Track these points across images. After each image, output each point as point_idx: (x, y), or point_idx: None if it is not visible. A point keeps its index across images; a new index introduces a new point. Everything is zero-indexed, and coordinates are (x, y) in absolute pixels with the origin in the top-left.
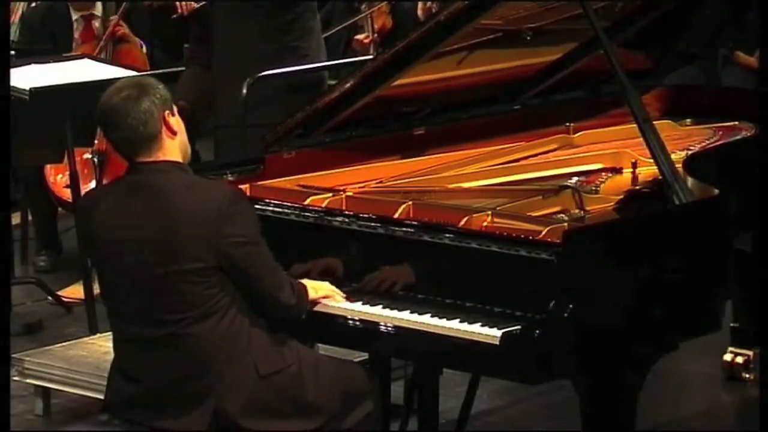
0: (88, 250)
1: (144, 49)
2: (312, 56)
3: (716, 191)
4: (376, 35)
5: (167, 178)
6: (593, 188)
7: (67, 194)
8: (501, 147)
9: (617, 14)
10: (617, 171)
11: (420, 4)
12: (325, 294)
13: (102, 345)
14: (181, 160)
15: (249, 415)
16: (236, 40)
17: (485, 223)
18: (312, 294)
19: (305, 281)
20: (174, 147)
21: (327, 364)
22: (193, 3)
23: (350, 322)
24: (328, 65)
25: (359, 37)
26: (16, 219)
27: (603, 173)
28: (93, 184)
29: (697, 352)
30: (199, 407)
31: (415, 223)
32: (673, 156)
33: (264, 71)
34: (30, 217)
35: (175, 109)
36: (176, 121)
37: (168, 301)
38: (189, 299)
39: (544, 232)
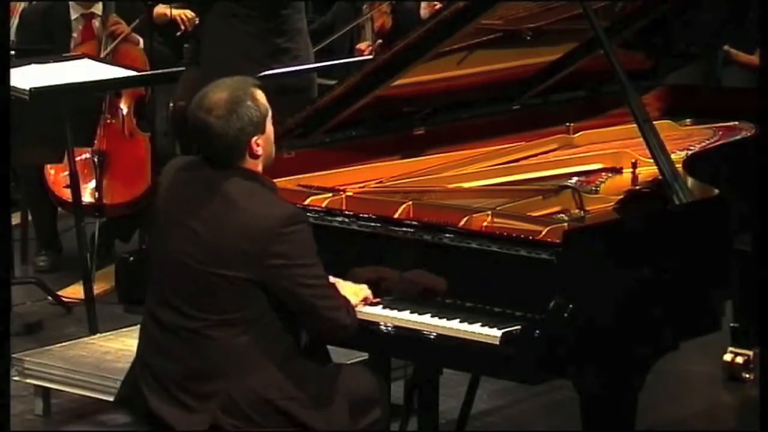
0: (152, 218)
1: (141, 44)
2: (302, 57)
3: (716, 191)
4: (377, 42)
5: (236, 184)
6: (593, 188)
7: (67, 194)
8: (501, 147)
9: (617, 14)
10: (617, 171)
11: (423, 5)
12: (364, 296)
13: (102, 345)
14: (259, 170)
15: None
16: (229, 42)
17: (485, 223)
18: (354, 300)
19: (342, 285)
20: (254, 163)
21: (340, 389)
22: (193, 17)
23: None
24: (328, 65)
25: (361, 46)
26: (16, 219)
27: (603, 173)
28: (93, 184)
29: (697, 352)
30: (200, 409)
31: (415, 223)
32: (673, 156)
33: (257, 73)
34: (30, 217)
35: (268, 122)
36: (264, 141)
37: (197, 298)
38: (217, 303)
39: (544, 232)
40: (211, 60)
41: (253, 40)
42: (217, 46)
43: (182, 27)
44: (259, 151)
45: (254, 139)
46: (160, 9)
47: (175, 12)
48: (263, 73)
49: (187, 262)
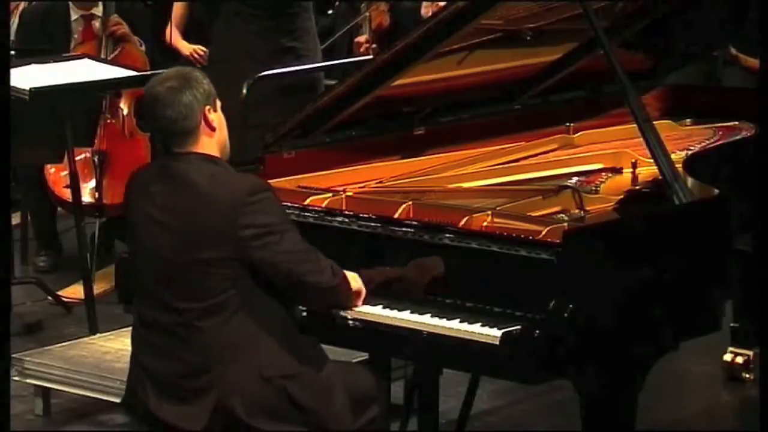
0: (128, 221)
1: (143, 47)
2: (309, 57)
3: (716, 191)
4: (373, 40)
5: (194, 167)
6: (593, 188)
7: (67, 194)
8: (501, 147)
9: (617, 14)
10: (617, 171)
11: (425, 4)
12: (357, 288)
13: (102, 345)
14: (217, 155)
15: (253, 414)
16: (233, 41)
17: (485, 223)
18: (353, 284)
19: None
20: (210, 142)
21: (339, 382)
22: (206, 52)
23: (350, 322)
24: (328, 65)
25: (359, 39)
26: (16, 219)
27: (603, 173)
28: (93, 184)
29: (697, 352)
30: (197, 402)
31: (415, 223)
32: (673, 156)
33: (261, 72)
34: (29, 217)
35: (218, 104)
36: (217, 117)
37: (181, 289)
38: (201, 290)
39: (544, 232)
40: (214, 60)
41: (256, 39)
42: (221, 47)
43: (197, 64)
44: (214, 123)
45: (207, 107)
46: (176, 43)
47: (189, 49)
48: (267, 72)
49: (165, 255)
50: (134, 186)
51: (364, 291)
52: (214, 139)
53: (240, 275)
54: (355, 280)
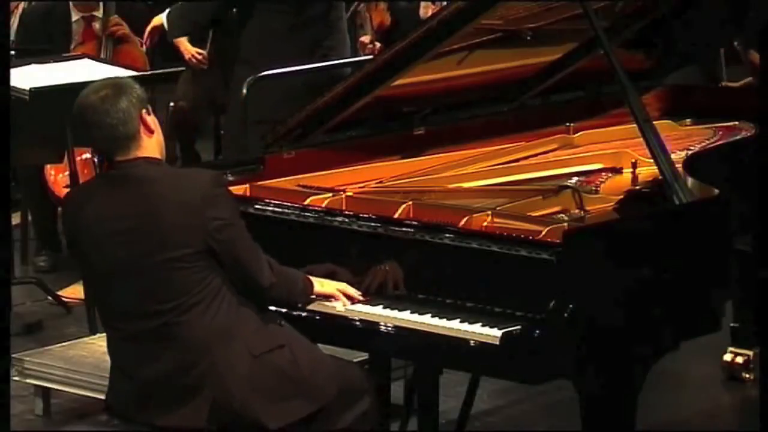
0: (78, 248)
1: (143, 47)
2: (337, 54)
3: (716, 191)
4: (374, 35)
5: (148, 171)
6: (593, 188)
7: None
8: (501, 147)
9: (617, 14)
10: (617, 171)
11: (423, 5)
12: (330, 291)
13: (102, 345)
14: (159, 157)
15: (248, 399)
16: (259, 41)
17: (485, 223)
18: (318, 287)
19: (329, 283)
20: (152, 145)
21: (322, 353)
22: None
23: (350, 322)
24: (331, 65)
25: (363, 39)
26: (16, 219)
27: (603, 173)
28: None
29: (697, 352)
30: (194, 400)
31: (415, 223)
32: (673, 156)
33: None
34: (30, 217)
35: (149, 107)
36: (153, 120)
37: (159, 291)
38: (179, 287)
39: (544, 232)
40: (239, 60)
41: (282, 37)
42: (248, 44)
43: (197, 68)
44: (152, 125)
45: (144, 111)
46: (179, 44)
47: (189, 53)
48: (266, 72)
49: (135, 262)
50: (77, 209)
51: (336, 291)
52: (153, 141)
53: (212, 264)
54: (322, 284)
